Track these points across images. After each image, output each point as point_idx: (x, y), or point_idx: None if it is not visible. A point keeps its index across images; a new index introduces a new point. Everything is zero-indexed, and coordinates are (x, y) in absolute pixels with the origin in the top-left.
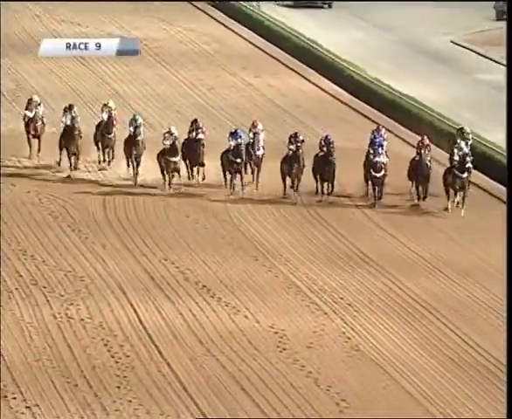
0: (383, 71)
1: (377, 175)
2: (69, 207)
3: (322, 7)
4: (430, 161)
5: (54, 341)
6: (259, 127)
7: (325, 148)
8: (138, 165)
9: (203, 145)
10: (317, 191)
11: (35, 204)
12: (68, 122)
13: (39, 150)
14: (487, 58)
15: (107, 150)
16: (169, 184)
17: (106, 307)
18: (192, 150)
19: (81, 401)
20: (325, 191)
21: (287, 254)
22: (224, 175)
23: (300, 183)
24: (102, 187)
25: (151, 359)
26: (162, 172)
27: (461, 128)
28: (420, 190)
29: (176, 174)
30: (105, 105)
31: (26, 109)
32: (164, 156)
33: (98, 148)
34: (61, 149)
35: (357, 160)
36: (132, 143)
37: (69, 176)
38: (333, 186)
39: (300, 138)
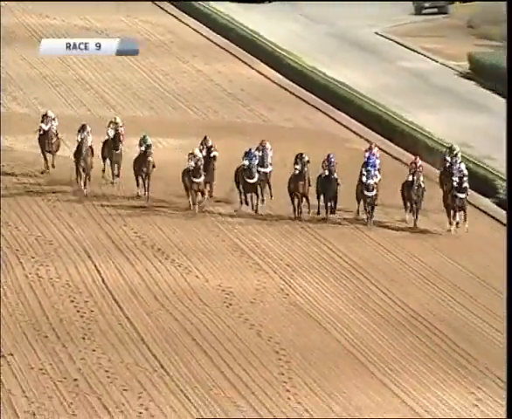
0: (317, 59)
1: (370, 194)
2: (41, 181)
3: (264, 1)
4: (423, 182)
5: (26, 298)
6: (268, 146)
7: (327, 169)
8: (148, 183)
9: (213, 163)
10: (319, 211)
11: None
12: (79, 140)
13: (53, 165)
14: (407, 47)
15: (116, 166)
16: (194, 203)
17: (72, 268)
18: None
19: (50, 350)
20: (328, 210)
21: (233, 221)
22: (239, 192)
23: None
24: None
25: (112, 313)
26: (187, 191)
27: (451, 147)
28: (413, 211)
29: (199, 193)
30: (112, 122)
31: (42, 122)
32: (188, 176)
33: (105, 165)
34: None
35: (295, 138)
36: (142, 162)
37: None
38: (336, 204)
39: (306, 159)
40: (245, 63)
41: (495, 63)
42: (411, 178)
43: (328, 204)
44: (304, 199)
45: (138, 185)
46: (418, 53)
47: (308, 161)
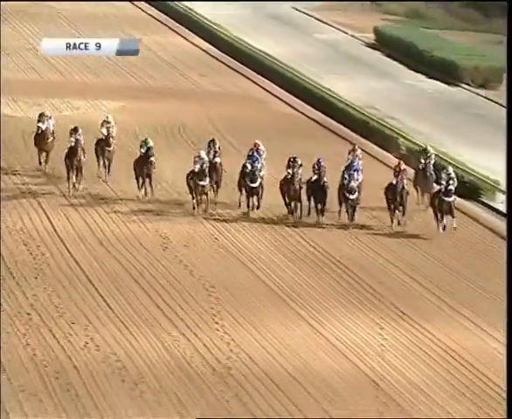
0: (243, 32)
1: (352, 196)
2: None
3: None
4: (406, 185)
5: None
6: (261, 148)
7: (317, 172)
8: (150, 183)
9: (220, 165)
10: (309, 212)
11: None
12: (73, 144)
13: (47, 162)
14: (321, 21)
15: (107, 163)
16: (198, 205)
17: (26, 217)
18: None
19: (6, 289)
20: (319, 212)
21: (172, 178)
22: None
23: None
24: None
25: (62, 256)
26: (191, 193)
27: (425, 148)
28: (399, 214)
29: (204, 196)
30: (104, 121)
31: (39, 122)
32: (193, 179)
33: (98, 164)
34: (68, 172)
35: (223, 101)
36: (143, 164)
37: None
38: (324, 206)
39: (299, 162)
40: (180, 34)
41: (398, 35)
42: (394, 181)
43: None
44: (295, 202)
45: (139, 187)
46: (331, 26)
47: (301, 165)
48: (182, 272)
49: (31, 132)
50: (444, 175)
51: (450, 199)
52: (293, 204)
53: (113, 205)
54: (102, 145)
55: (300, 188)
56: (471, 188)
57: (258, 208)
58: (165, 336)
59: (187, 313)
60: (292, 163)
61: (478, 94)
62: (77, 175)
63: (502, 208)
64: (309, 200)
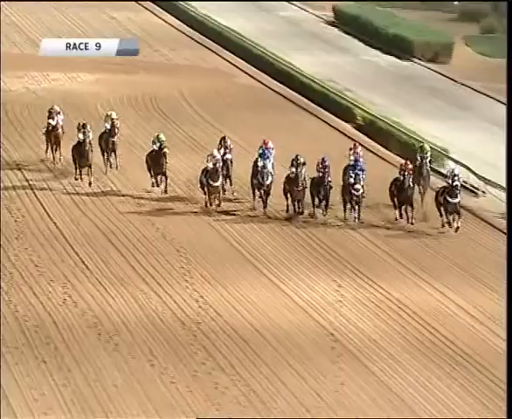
0: (212, 10)
1: (357, 193)
2: None
3: None
4: (413, 183)
5: None
6: (270, 145)
7: (321, 171)
8: (165, 179)
9: (231, 164)
10: (314, 212)
11: None
12: (81, 139)
13: (60, 157)
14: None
15: (113, 154)
16: (210, 204)
17: (8, 184)
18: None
19: None
20: (321, 210)
21: (145, 147)
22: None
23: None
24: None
25: (41, 219)
26: (203, 190)
27: (421, 146)
28: (406, 213)
29: (216, 195)
30: (107, 115)
31: (49, 118)
32: (206, 178)
33: (103, 154)
34: (75, 164)
35: (192, 74)
36: (157, 160)
37: (76, 179)
38: (327, 206)
39: (301, 160)
40: (151, 11)
41: (355, 13)
42: (401, 178)
43: (322, 204)
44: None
45: (153, 184)
46: (292, 4)
47: (304, 163)
48: (154, 235)
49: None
50: (449, 174)
51: (455, 200)
52: (296, 204)
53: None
54: (106, 138)
55: (305, 187)
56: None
57: (265, 207)
58: (138, 293)
59: (159, 272)
60: (295, 161)
61: (429, 68)
62: (83, 171)
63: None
64: (313, 198)
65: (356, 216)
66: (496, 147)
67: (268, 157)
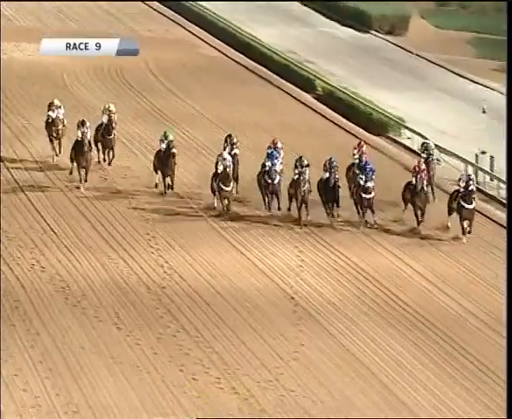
0: None
1: (368, 196)
2: None
3: None
4: (426, 186)
5: None
6: (279, 145)
7: (328, 171)
8: (172, 179)
9: (237, 161)
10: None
11: None
12: (79, 137)
13: (60, 151)
14: None
15: (106, 150)
16: (222, 208)
17: None
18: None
19: None
20: (329, 211)
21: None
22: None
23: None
24: None
25: (12, 191)
26: (214, 194)
27: (424, 143)
28: (419, 214)
29: (227, 199)
30: (105, 108)
31: (49, 111)
32: (217, 182)
33: (98, 149)
34: (72, 162)
35: (156, 44)
36: (165, 160)
37: (79, 188)
38: (338, 205)
39: (305, 162)
40: None
41: None
42: (414, 181)
43: (329, 207)
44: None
45: (164, 185)
46: None
47: (308, 165)
48: (121, 202)
49: None
50: (464, 177)
51: (471, 206)
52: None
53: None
54: (102, 132)
55: (310, 190)
56: (378, 125)
57: (279, 209)
58: (105, 259)
59: (125, 239)
60: (299, 163)
61: (386, 40)
62: (84, 170)
63: (408, 143)
64: (322, 199)
65: (371, 220)
66: (449, 116)
67: (277, 158)
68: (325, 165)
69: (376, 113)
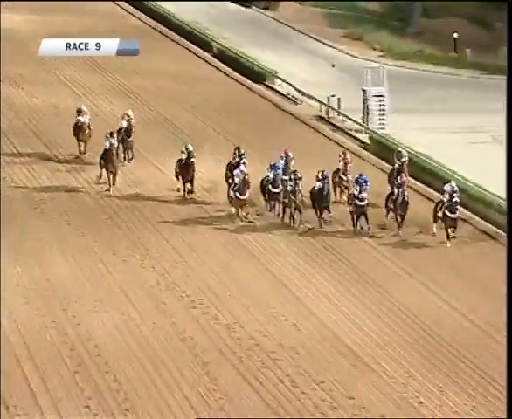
0: None
1: (362, 203)
2: None
3: None
4: (407, 196)
5: None
6: (290, 154)
7: (321, 181)
8: (192, 185)
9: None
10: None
11: None
12: (108, 146)
13: (85, 152)
14: None
15: (127, 151)
16: (238, 216)
17: None
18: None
19: None
20: (323, 218)
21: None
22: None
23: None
24: None
25: None
26: (231, 202)
27: (398, 151)
28: (399, 221)
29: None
30: (125, 114)
31: (78, 115)
32: (234, 192)
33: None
34: (101, 168)
35: (95, 16)
36: (186, 168)
37: (108, 190)
38: (329, 211)
39: (299, 175)
40: None
41: None
42: (396, 191)
43: (322, 216)
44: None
45: (184, 190)
46: None
47: (301, 178)
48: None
49: None
50: (448, 188)
51: (455, 216)
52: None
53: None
54: (123, 135)
55: (302, 199)
56: (258, 75)
57: (283, 218)
58: (62, 174)
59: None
60: (293, 176)
61: (264, 14)
62: (111, 177)
63: (280, 89)
64: (314, 208)
65: (366, 228)
66: (309, 70)
67: (279, 168)
68: (317, 176)
69: (256, 66)
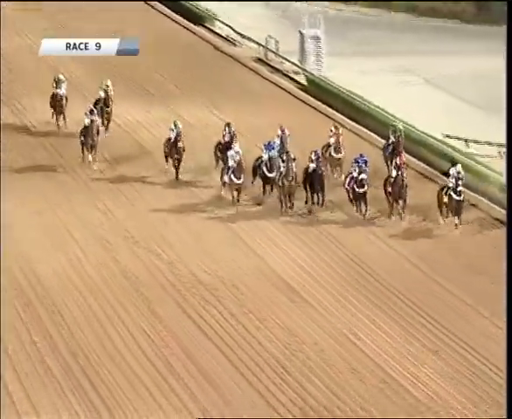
0: None
1: (361, 190)
2: None
3: None
4: (406, 178)
5: None
6: (286, 132)
7: (315, 163)
8: (179, 165)
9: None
10: (307, 202)
11: None
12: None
13: (65, 122)
14: None
15: (106, 121)
16: (233, 198)
17: None
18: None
19: None
20: (315, 202)
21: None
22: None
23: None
24: None
25: None
26: (224, 185)
27: (393, 125)
28: (401, 206)
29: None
30: (103, 83)
31: (56, 88)
32: (229, 175)
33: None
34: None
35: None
36: (173, 148)
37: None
38: (324, 197)
39: (292, 156)
40: None
41: None
42: (394, 173)
43: (315, 197)
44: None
45: (167, 163)
46: None
47: (295, 159)
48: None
49: None
50: (453, 172)
51: (460, 198)
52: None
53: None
54: (101, 105)
55: (296, 181)
56: (198, 17)
57: (291, 207)
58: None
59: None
60: (286, 157)
61: None
62: (92, 152)
63: (220, 32)
64: (306, 189)
65: (362, 212)
66: (253, 15)
67: (273, 148)
68: (310, 157)
69: (196, 8)
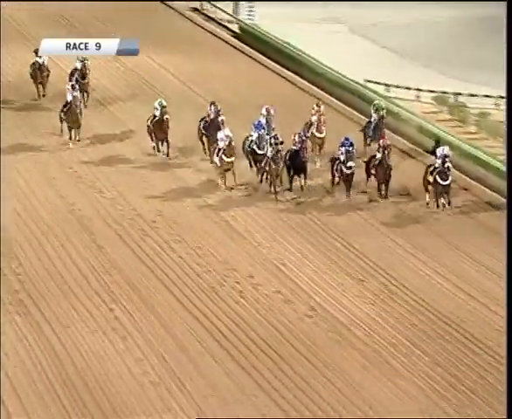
0: None
1: (348, 172)
2: None
3: None
4: (389, 160)
5: None
6: (272, 112)
7: (298, 144)
8: (168, 144)
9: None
10: (291, 187)
11: None
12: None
13: (44, 95)
14: None
15: (85, 94)
16: (225, 183)
17: None
18: (213, 131)
19: None
20: (300, 183)
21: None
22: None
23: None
24: None
25: None
26: (216, 167)
27: (375, 103)
28: (383, 189)
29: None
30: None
31: (36, 56)
32: (220, 155)
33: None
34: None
35: None
36: (160, 124)
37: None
38: (306, 177)
39: (279, 139)
40: None
41: None
42: (379, 155)
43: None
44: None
45: (158, 149)
46: None
47: (282, 142)
48: None
49: None
50: (439, 154)
51: (446, 182)
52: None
53: None
54: (78, 77)
55: (282, 166)
56: None
57: (273, 191)
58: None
59: None
60: (274, 140)
61: None
62: (74, 129)
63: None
64: (289, 172)
65: (347, 193)
66: None
67: (263, 127)
68: (294, 139)
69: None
